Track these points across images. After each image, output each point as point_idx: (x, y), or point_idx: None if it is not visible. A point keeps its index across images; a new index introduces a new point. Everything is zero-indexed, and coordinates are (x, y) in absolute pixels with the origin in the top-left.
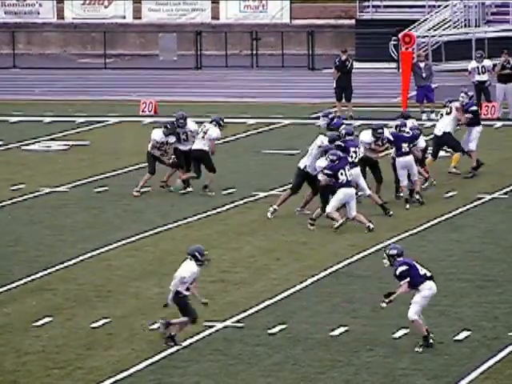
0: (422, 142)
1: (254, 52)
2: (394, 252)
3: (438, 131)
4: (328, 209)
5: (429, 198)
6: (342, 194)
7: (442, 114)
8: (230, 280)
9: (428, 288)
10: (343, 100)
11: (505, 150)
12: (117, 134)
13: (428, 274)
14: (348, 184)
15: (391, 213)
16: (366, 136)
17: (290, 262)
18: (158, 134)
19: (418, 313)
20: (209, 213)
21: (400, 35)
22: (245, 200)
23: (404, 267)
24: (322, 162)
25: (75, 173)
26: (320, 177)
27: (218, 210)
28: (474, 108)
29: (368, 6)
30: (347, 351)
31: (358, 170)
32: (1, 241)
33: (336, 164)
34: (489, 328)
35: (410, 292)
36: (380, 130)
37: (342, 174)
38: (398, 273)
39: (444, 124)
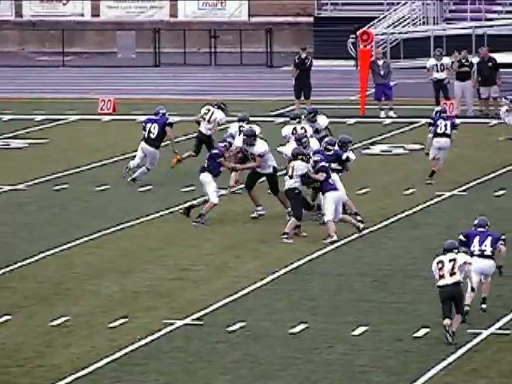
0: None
1: (213, 50)
2: (475, 222)
3: None
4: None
5: (389, 195)
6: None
7: None
8: (190, 277)
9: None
10: (302, 98)
11: (463, 147)
12: (76, 132)
13: (476, 253)
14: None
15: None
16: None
17: (249, 259)
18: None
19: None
20: (169, 210)
21: (358, 33)
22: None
23: (460, 236)
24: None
25: (34, 170)
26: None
27: (179, 207)
28: None
29: (326, 4)
30: (307, 348)
31: None
32: None
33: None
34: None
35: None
36: (304, 140)
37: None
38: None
39: None
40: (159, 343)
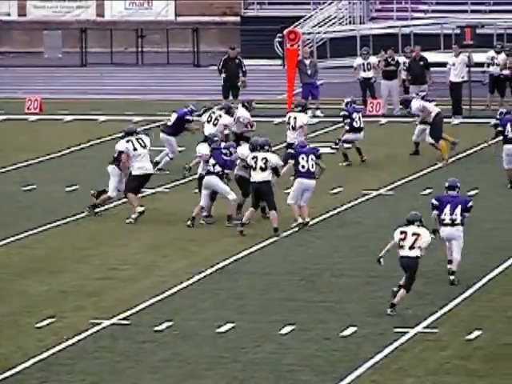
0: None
1: (140, 49)
2: (446, 184)
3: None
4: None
5: (315, 193)
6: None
7: None
8: (118, 277)
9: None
10: (230, 97)
11: (390, 147)
12: (2, 132)
13: (447, 221)
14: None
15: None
16: (203, 148)
17: (177, 258)
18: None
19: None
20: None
21: (285, 32)
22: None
23: (433, 200)
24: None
25: None
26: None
27: (107, 206)
28: None
29: (253, 3)
30: (234, 347)
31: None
32: None
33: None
34: (375, 324)
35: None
36: (216, 139)
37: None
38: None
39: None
40: (86, 343)
